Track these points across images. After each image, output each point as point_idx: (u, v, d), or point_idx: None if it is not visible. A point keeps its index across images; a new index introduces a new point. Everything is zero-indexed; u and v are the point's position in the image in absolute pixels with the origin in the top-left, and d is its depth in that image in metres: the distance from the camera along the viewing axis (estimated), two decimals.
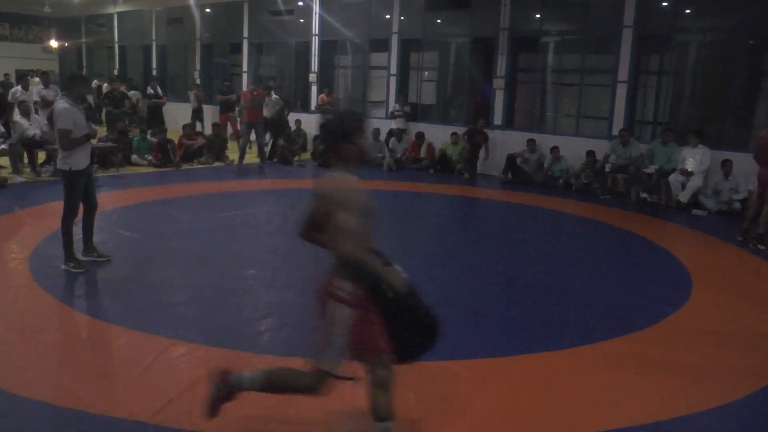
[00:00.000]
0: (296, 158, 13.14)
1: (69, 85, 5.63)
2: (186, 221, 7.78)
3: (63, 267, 5.58)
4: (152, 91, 15.66)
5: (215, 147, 12.99)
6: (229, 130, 15.46)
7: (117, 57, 21.38)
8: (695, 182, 9.51)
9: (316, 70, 15.55)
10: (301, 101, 16.63)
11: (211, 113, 16.89)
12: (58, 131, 5.39)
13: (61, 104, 5.42)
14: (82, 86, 5.76)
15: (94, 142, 6.49)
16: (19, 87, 12.01)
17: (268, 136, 14.22)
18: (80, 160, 5.54)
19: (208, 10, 18.09)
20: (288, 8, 15.91)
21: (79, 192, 5.60)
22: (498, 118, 12.53)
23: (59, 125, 5.37)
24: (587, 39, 11.62)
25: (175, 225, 7.57)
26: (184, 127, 13.32)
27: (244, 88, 14.23)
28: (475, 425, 3.35)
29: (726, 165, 9.24)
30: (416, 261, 6.51)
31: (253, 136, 12.95)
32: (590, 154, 10.82)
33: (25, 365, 3.83)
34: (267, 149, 13.38)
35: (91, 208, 5.82)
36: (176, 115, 16.92)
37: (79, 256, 5.75)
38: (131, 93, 16.35)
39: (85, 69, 22.86)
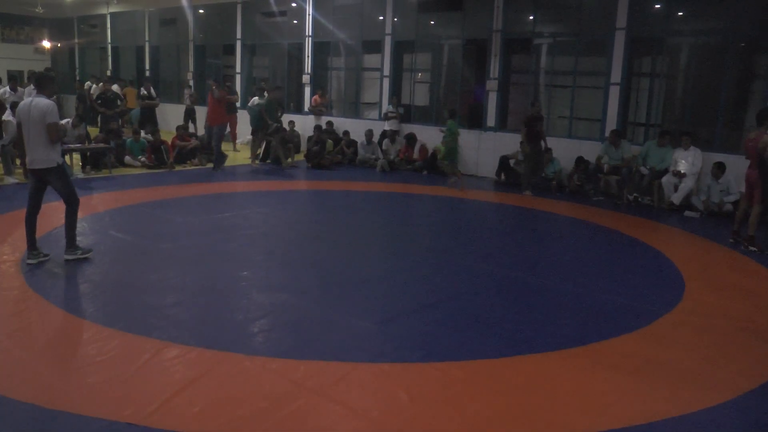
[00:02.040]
0: (289, 159, 13.13)
1: (41, 84, 5.81)
2: (179, 223, 7.76)
3: (69, 257, 5.82)
4: (145, 93, 15.61)
5: (208, 148, 12.95)
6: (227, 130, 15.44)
7: (110, 58, 21.32)
8: (687, 184, 9.56)
9: (310, 71, 15.55)
10: (295, 103, 16.63)
11: (204, 114, 16.85)
12: (52, 125, 5.55)
13: (45, 100, 5.61)
14: (53, 85, 5.99)
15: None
16: (7, 88, 11.91)
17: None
18: (59, 154, 5.81)
19: (201, 11, 18.07)
20: (281, 9, 15.92)
21: (70, 180, 5.91)
22: (491, 120, 12.56)
23: (51, 119, 5.55)
24: (580, 41, 11.67)
25: (167, 226, 7.54)
26: (178, 128, 13.29)
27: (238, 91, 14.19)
28: (469, 427, 3.35)
29: (716, 167, 9.29)
30: (409, 262, 6.53)
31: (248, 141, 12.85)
32: (580, 160, 10.87)
33: (15, 367, 3.81)
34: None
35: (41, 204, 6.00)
36: (169, 116, 16.89)
37: (26, 257, 5.87)
38: (114, 87, 16.32)
39: (78, 70, 22.81)
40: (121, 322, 4.49)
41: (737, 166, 9.00)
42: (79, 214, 7.88)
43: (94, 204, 8.73)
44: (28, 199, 5.91)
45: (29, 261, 5.80)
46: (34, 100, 5.66)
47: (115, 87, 16.55)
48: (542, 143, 10.86)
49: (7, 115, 10.31)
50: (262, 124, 12.98)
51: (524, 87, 12.96)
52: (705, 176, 9.65)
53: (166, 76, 19.81)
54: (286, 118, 14.51)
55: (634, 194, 10.24)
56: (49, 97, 5.75)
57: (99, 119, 14.86)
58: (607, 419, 3.45)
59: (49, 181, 5.79)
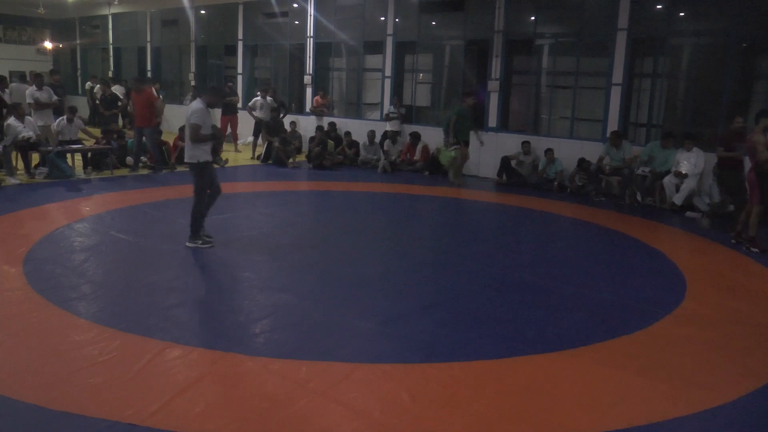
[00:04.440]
0: (291, 160, 13.13)
1: (206, 92, 6.62)
2: (180, 223, 7.75)
3: (189, 245, 6.55)
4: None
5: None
6: (228, 130, 15.49)
7: (111, 59, 21.35)
8: (689, 184, 9.55)
9: (311, 72, 15.56)
10: (296, 103, 16.63)
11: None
12: (191, 125, 6.32)
13: (197, 104, 6.43)
14: (215, 98, 6.69)
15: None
16: None
17: (260, 139, 14.21)
18: (205, 153, 6.47)
19: (202, 11, 18.08)
20: (283, 10, 15.93)
21: (207, 180, 6.56)
22: (492, 121, 12.56)
23: (192, 120, 6.32)
24: (581, 41, 11.66)
25: (169, 227, 7.54)
26: (180, 129, 13.28)
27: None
28: (471, 427, 3.35)
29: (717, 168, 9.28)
30: (411, 263, 6.53)
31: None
32: (582, 162, 10.87)
33: (18, 368, 3.81)
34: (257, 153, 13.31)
35: (214, 195, 6.71)
36: (170, 117, 16.90)
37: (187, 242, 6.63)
38: (114, 87, 16.40)
39: (79, 70, 22.83)
40: (123, 323, 4.50)
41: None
42: (80, 215, 7.95)
43: (95, 204, 8.74)
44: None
45: (188, 244, 6.60)
46: (192, 103, 6.53)
47: (116, 88, 16.60)
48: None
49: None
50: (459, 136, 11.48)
51: (526, 88, 12.97)
52: (707, 177, 9.64)
53: (168, 76, 19.83)
54: (288, 119, 14.53)
55: (649, 198, 10.11)
56: (208, 105, 6.46)
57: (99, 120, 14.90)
58: (609, 419, 3.45)
59: (191, 174, 6.57)
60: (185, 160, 6.67)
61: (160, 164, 11.59)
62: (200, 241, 6.61)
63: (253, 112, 14.54)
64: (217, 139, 6.64)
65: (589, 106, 12.19)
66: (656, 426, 3.41)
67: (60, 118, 11.27)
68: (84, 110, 17.65)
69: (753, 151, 7.20)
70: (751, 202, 7.36)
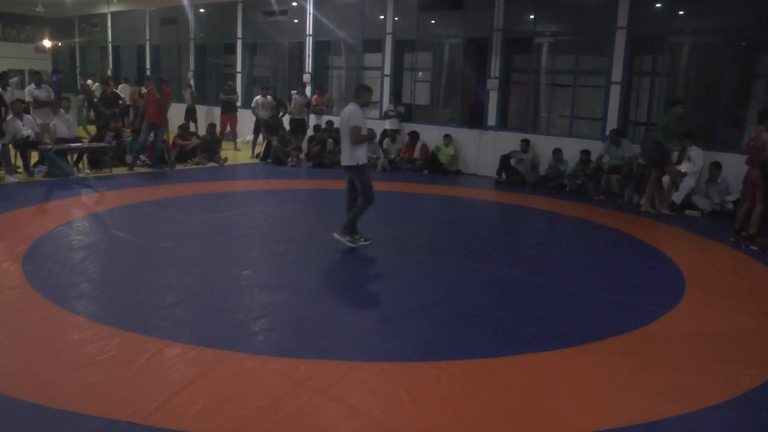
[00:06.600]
0: (290, 159, 13.12)
1: (356, 93, 6.59)
2: (179, 222, 7.76)
3: (349, 244, 6.62)
4: (146, 92, 15.61)
5: (209, 147, 12.96)
6: (227, 129, 15.48)
7: (110, 57, 21.34)
8: (688, 183, 9.55)
9: (310, 70, 15.55)
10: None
11: (204, 113, 16.88)
12: (352, 128, 6.33)
13: (353, 107, 6.42)
14: (367, 95, 6.60)
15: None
16: None
17: (260, 137, 14.18)
18: (364, 155, 6.49)
19: (201, 10, 18.07)
20: (282, 9, 15.92)
21: (371, 180, 6.55)
22: (492, 119, 12.56)
23: (352, 123, 6.33)
24: (581, 40, 11.66)
25: (168, 225, 7.55)
26: (179, 127, 13.31)
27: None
28: (469, 426, 3.35)
29: (713, 168, 9.30)
30: (410, 261, 6.53)
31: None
32: (585, 153, 10.83)
33: (17, 367, 3.81)
34: (259, 149, 13.27)
35: (357, 197, 6.69)
36: (170, 115, 16.87)
37: (337, 235, 6.71)
38: (121, 87, 16.43)
39: (78, 68, 22.82)
40: (122, 321, 4.50)
41: (740, 165, 8.98)
42: (79, 213, 7.95)
43: (94, 203, 8.74)
44: (346, 192, 6.83)
45: (349, 243, 6.66)
46: (347, 107, 6.49)
47: (122, 87, 16.61)
48: None
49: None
50: (659, 156, 9.19)
51: (525, 86, 12.96)
52: (706, 175, 9.64)
53: (167, 75, 19.78)
54: (287, 118, 14.49)
55: (637, 197, 10.10)
56: (362, 105, 6.46)
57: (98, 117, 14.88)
58: (607, 418, 3.45)
59: (352, 176, 6.57)
60: (344, 164, 6.56)
61: (159, 162, 11.58)
62: (357, 236, 6.71)
63: (258, 112, 14.39)
64: (372, 138, 6.60)
65: (589, 105, 12.18)
66: (655, 424, 3.41)
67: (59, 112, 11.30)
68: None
69: (762, 150, 7.18)
70: (756, 200, 7.35)
